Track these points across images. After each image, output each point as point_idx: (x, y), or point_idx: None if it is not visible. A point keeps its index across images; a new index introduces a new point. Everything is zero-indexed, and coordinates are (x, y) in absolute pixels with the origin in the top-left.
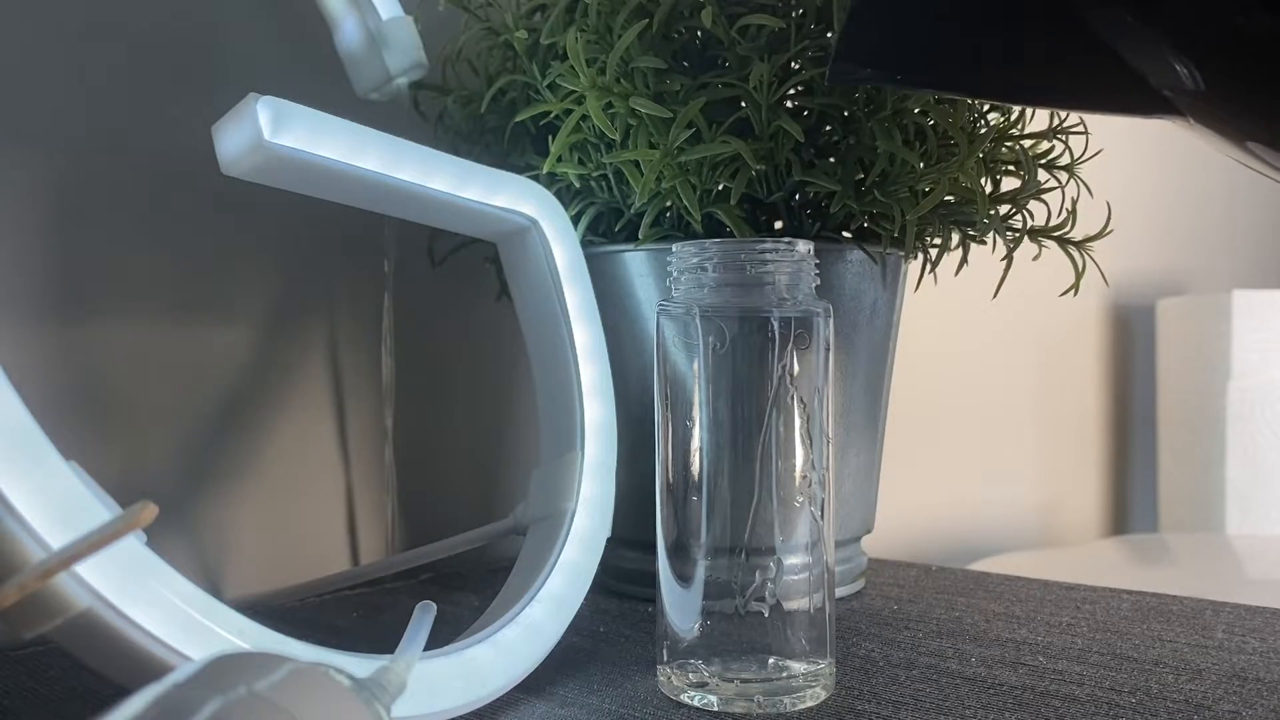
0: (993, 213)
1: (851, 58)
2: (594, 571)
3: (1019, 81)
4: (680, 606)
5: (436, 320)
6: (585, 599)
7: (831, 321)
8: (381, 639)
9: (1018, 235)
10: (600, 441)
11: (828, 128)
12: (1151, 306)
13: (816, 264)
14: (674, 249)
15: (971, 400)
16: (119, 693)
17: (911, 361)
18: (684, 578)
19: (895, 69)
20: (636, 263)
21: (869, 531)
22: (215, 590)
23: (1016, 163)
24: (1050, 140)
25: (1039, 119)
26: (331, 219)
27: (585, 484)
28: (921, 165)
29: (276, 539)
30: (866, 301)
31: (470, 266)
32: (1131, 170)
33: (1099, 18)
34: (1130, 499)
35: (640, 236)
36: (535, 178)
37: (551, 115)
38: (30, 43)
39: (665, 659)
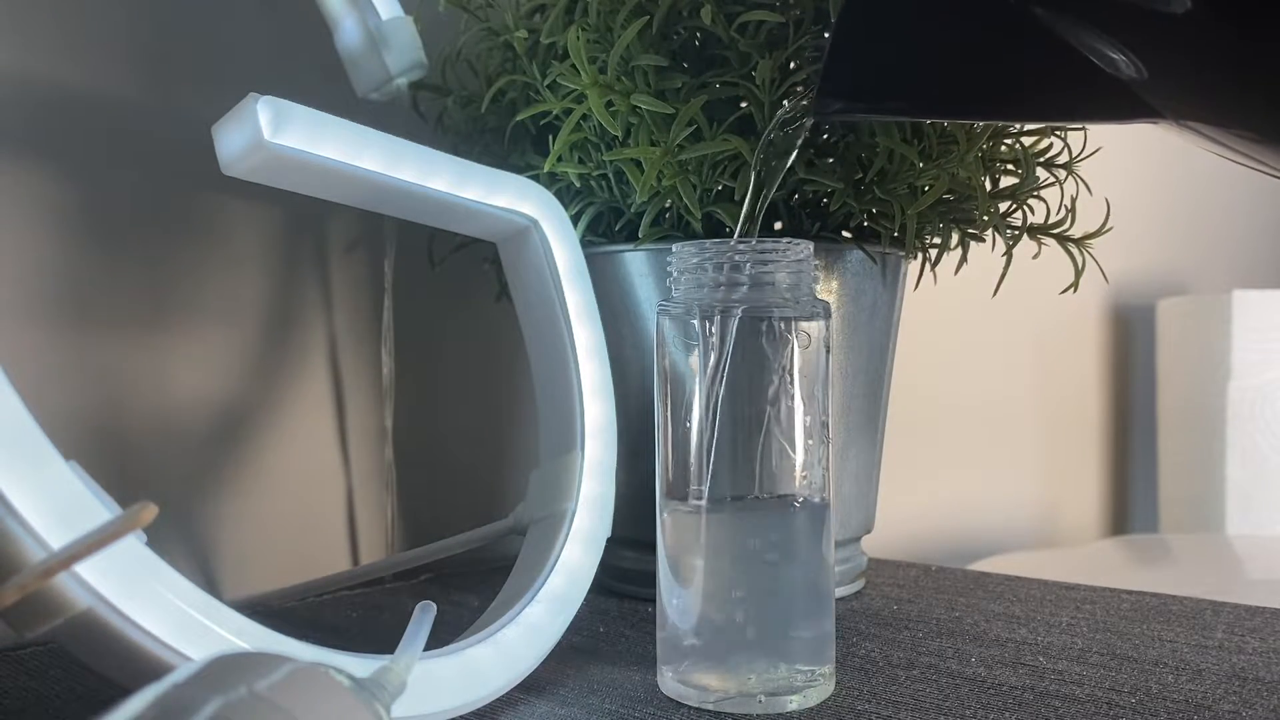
0: (992, 210)
1: (833, 93)
2: (594, 571)
3: (1000, 100)
4: (680, 606)
5: (436, 320)
6: (585, 599)
7: (831, 321)
8: (381, 639)
9: (1017, 233)
10: (600, 441)
11: (826, 126)
12: (1151, 306)
13: (816, 264)
14: (674, 249)
15: (971, 400)
16: (119, 693)
17: (911, 361)
18: (684, 577)
19: (876, 100)
20: (636, 263)
21: (869, 531)
22: (215, 590)
23: (1015, 160)
24: (1049, 138)
25: None
26: (331, 219)
27: (585, 484)
28: (920, 162)
29: (276, 539)
30: (866, 301)
31: (470, 266)
32: (1131, 169)
33: (1059, 25)
34: (1130, 499)
35: (640, 236)
36: (535, 178)
37: (552, 115)
38: (30, 44)
39: (665, 659)
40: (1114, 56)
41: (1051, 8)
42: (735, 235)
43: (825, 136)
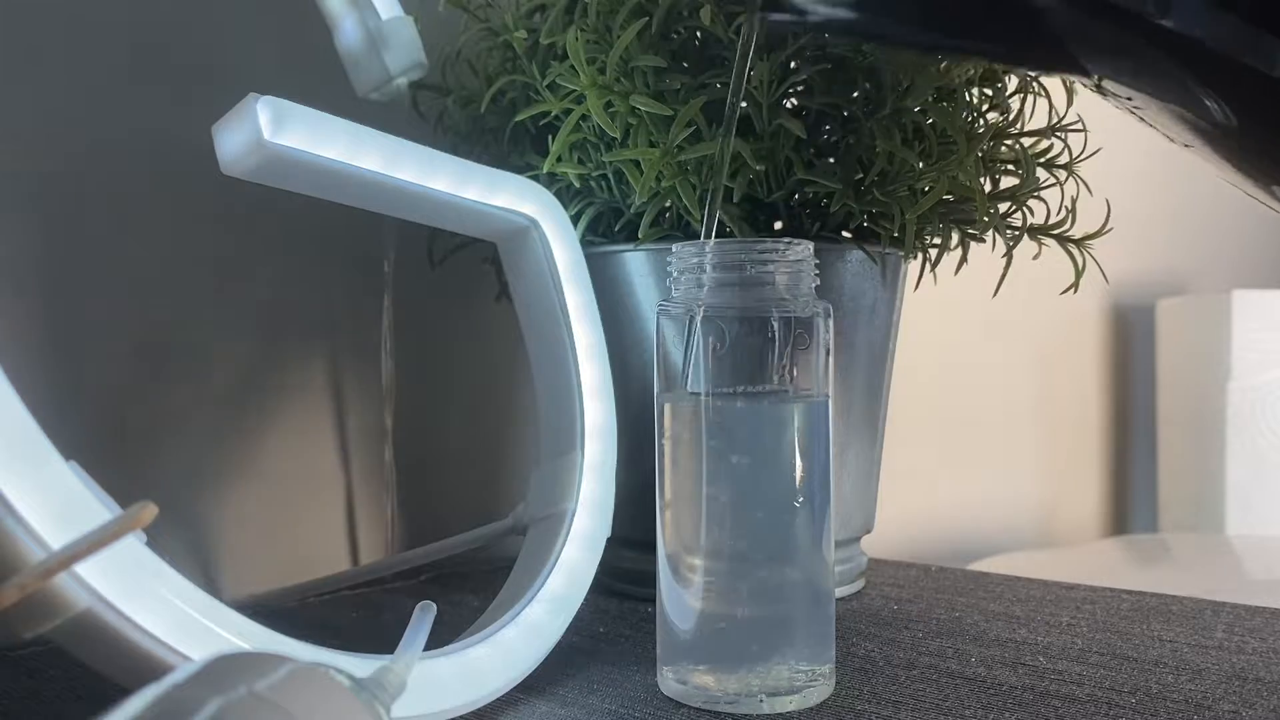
0: (992, 210)
1: (779, 6)
2: (594, 571)
3: (941, 27)
4: (680, 607)
5: (436, 320)
6: (585, 599)
7: (831, 321)
8: (381, 639)
9: (1017, 233)
10: (600, 442)
11: (827, 127)
12: (1151, 306)
13: (816, 264)
14: (674, 249)
15: (971, 400)
16: (119, 693)
17: (911, 361)
18: (684, 578)
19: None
20: (636, 263)
21: (869, 531)
22: (215, 590)
23: (1015, 161)
24: (1049, 138)
25: (1038, 117)
26: (331, 219)
27: (585, 484)
28: (920, 164)
29: (276, 539)
30: (866, 301)
31: (470, 266)
32: (1132, 170)
33: (1132, 51)
34: (1130, 499)
35: (640, 236)
36: (535, 178)
37: (551, 115)
38: (30, 43)
39: (665, 659)
40: (1205, 103)
41: (1143, 49)
42: (710, 198)
43: (826, 136)
